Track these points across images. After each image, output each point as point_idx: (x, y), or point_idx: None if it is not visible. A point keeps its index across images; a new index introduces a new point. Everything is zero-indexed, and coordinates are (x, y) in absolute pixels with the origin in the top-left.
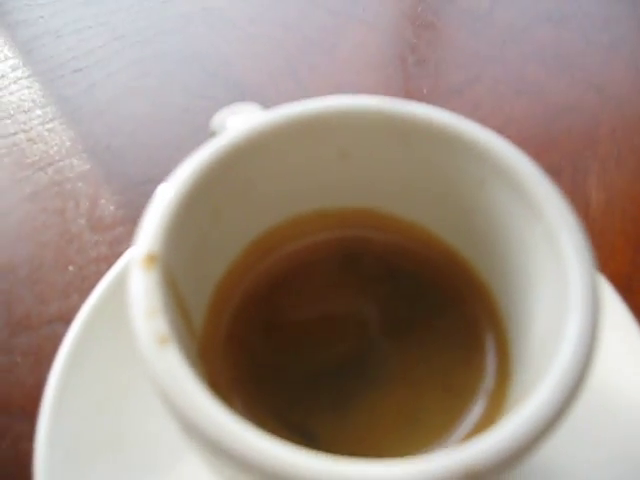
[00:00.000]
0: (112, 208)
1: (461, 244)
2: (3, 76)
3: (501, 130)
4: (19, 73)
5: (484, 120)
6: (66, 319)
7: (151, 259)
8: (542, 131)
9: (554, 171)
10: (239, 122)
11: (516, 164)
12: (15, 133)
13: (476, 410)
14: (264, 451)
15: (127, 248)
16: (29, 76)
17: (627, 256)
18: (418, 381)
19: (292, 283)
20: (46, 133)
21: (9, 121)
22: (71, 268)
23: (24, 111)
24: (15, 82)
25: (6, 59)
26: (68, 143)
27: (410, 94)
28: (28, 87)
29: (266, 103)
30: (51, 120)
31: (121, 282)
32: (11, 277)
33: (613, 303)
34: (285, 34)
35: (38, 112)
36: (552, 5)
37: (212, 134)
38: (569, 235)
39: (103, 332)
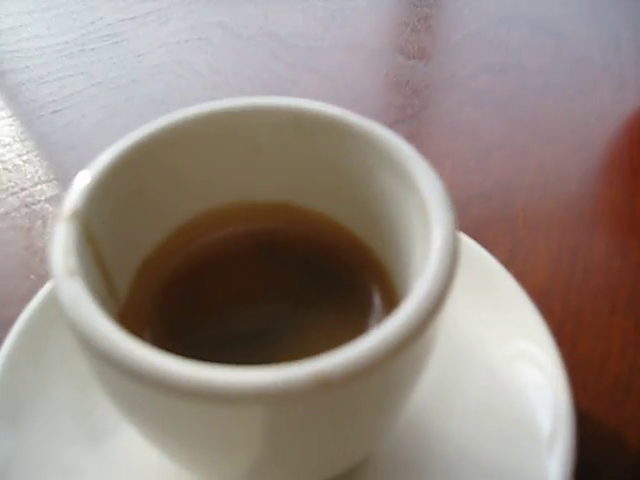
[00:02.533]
0: None
1: (358, 227)
2: None
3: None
4: (2, 113)
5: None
6: None
7: (72, 214)
8: (475, 164)
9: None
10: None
11: (396, 148)
12: None
13: None
14: (143, 358)
15: None
16: (11, 116)
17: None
18: (319, 338)
19: (213, 267)
20: (21, 163)
21: None
22: (32, 277)
23: (3, 145)
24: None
25: None
26: (41, 171)
27: None
28: (9, 125)
29: None
30: (27, 153)
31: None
32: None
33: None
34: (246, 83)
35: (17, 145)
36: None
37: None
38: (435, 202)
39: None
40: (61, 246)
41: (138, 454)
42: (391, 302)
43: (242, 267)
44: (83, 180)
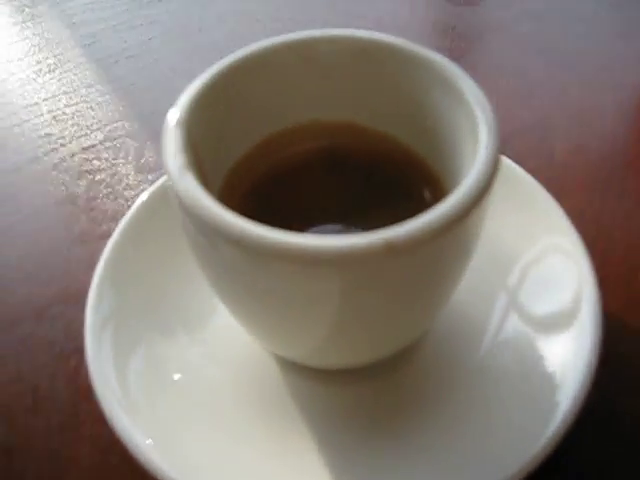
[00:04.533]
0: (154, 156)
1: (414, 142)
2: (68, 61)
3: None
4: (82, 59)
5: None
6: None
7: (178, 122)
8: (518, 101)
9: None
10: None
11: (449, 70)
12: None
13: None
14: (251, 230)
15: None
16: (89, 61)
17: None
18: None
19: (290, 176)
20: (103, 102)
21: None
22: (120, 200)
23: (86, 86)
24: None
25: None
26: (121, 109)
27: None
28: (89, 70)
29: None
30: (107, 94)
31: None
32: (70, 206)
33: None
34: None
35: (98, 87)
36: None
37: None
38: (481, 111)
39: (147, 228)
40: (172, 148)
41: (227, 342)
42: (437, 190)
43: (314, 177)
44: (185, 96)
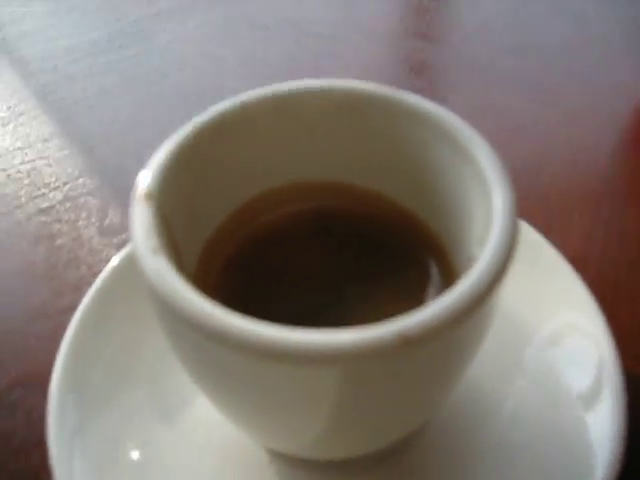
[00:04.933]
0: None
1: (413, 202)
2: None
3: None
4: (38, 111)
5: None
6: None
7: (148, 196)
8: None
9: None
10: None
11: (449, 122)
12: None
13: None
14: (235, 324)
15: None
16: (46, 113)
17: None
18: (379, 308)
19: (273, 245)
20: (62, 158)
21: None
22: (83, 267)
23: (42, 140)
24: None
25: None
26: (81, 165)
27: None
28: (46, 122)
29: None
30: (66, 148)
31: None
32: (27, 275)
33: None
34: (273, 71)
35: (55, 141)
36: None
37: None
38: (492, 170)
39: (116, 300)
40: (142, 226)
41: (209, 428)
42: (448, 273)
43: (301, 244)
44: (153, 165)
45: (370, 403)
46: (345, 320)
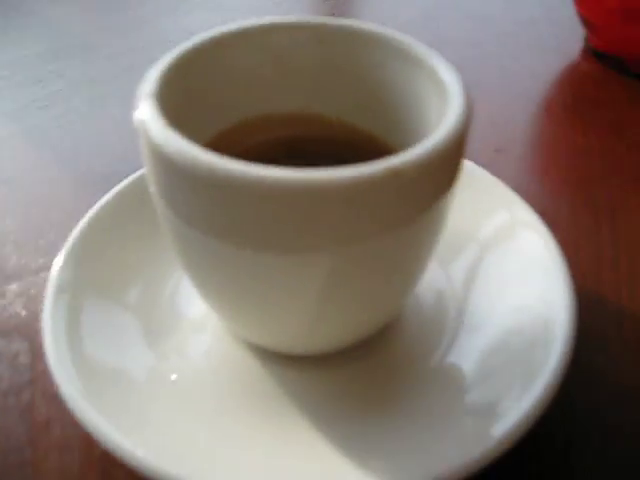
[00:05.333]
0: None
1: (373, 125)
2: None
3: None
4: None
5: None
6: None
7: (148, 95)
8: None
9: None
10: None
11: (408, 43)
12: None
13: None
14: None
15: None
16: None
17: None
18: None
19: None
20: None
21: None
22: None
23: None
24: None
25: None
26: None
27: None
28: None
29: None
30: None
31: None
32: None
33: None
34: None
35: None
36: None
37: None
38: (451, 80)
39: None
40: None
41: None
42: None
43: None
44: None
45: (353, 281)
46: None
